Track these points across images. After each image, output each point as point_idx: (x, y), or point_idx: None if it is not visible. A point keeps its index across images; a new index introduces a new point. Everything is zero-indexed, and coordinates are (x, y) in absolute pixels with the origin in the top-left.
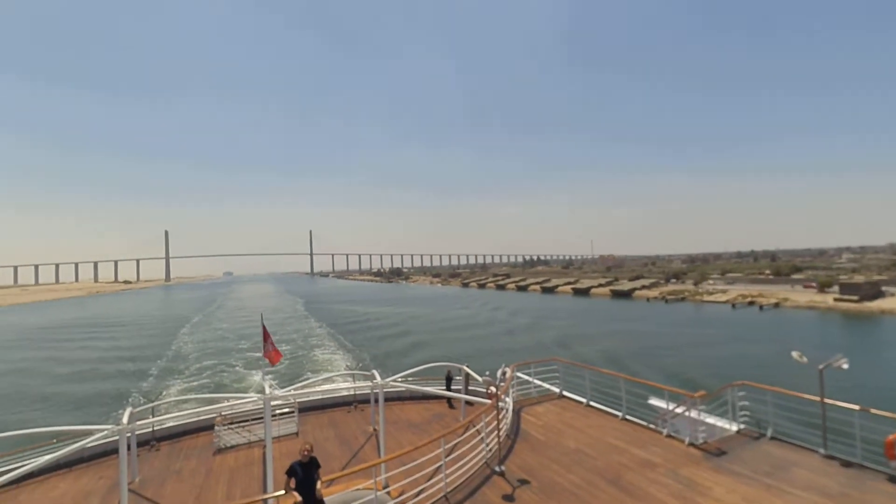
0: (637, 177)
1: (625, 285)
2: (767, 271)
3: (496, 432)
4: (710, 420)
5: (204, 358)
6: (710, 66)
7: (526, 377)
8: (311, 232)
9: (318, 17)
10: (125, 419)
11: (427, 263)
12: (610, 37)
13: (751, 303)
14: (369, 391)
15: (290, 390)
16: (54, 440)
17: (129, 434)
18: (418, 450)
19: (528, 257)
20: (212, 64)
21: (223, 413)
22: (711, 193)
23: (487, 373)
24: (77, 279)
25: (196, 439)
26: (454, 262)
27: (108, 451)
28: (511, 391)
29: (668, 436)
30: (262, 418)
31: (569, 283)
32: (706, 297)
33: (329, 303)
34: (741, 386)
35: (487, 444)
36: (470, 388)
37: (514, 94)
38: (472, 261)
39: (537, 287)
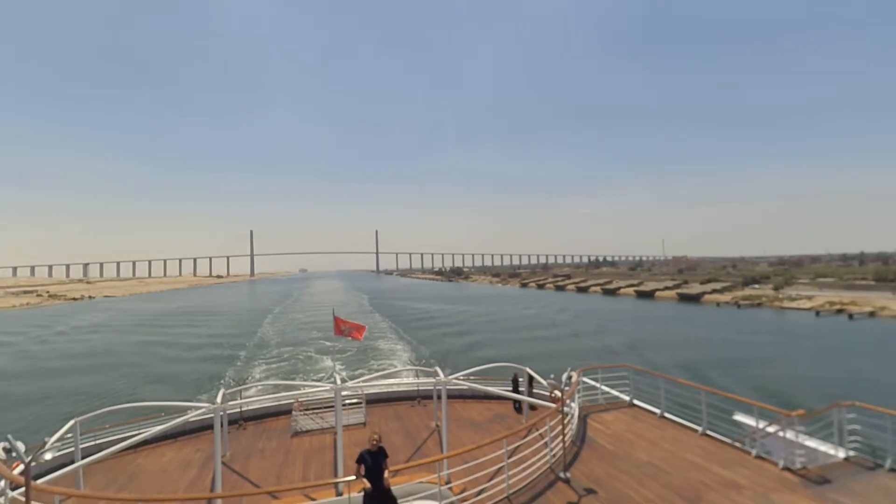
0: (724, 171)
1: (693, 288)
2: (868, 276)
3: (561, 437)
4: (811, 443)
5: (283, 344)
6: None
7: (593, 383)
8: (376, 232)
9: (383, 16)
10: (219, 399)
11: (488, 263)
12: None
13: (839, 311)
14: (432, 387)
15: (358, 382)
16: (162, 413)
17: (221, 413)
18: (480, 449)
19: (593, 258)
20: (289, 75)
21: (300, 399)
22: (813, 186)
23: (552, 376)
24: (180, 273)
25: (277, 422)
26: (515, 261)
27: (204, 427)
28: (577, 396)
29: (758, 457)
30: (333, 407)
31: (631, 286)
32: (787, 304)
33: (392, 299)
34: (851, 407)
35: (551, 449)
36: (533, 391)
37: (582, 90)
38: (534, 261)
39: (598, 288)
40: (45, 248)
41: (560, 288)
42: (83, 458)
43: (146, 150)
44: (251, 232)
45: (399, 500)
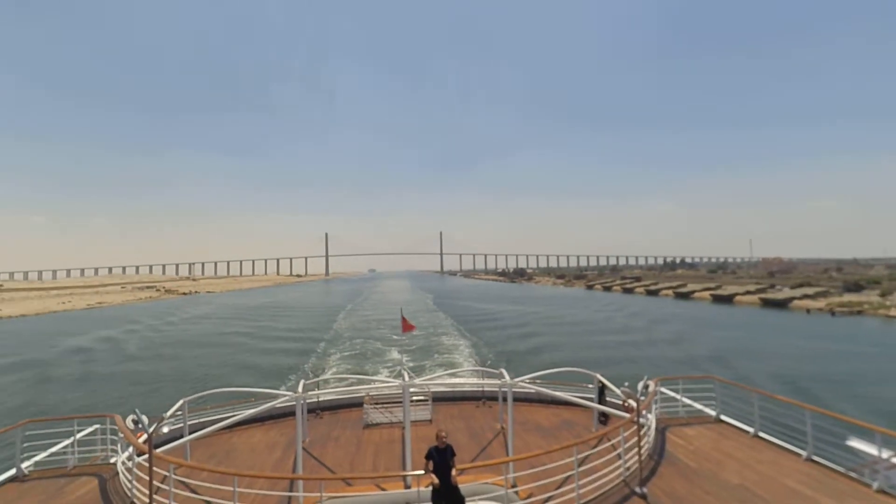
0: (836, 163)
1: (779, 293)
2: None
3: (637, 450)
4: None
5: (355, 338)
6: None
7: (672, 394)
8: (441, 233)
9: (453, 17)
10: (300, 389)
11: (553, 264)
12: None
13: None
14: (497, 389)
15: (425, 380)
16: (252, 399)
17: (302, 402)
18: (548, 455)
19: (669, 259)
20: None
21: (370, 394)
22: None
23: (626, 384)
24: (266, 272)
25: (350, 413)
26: (583, 263)
27: (286, 413)
28: (654, 407)
29: (881, 491)
30: (401, 402)
31: (707, 289)
32: (893, 312)
33: (455, 299)
34: None
35: (625, 462)
36: (605, 399)
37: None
38: (602, 262)
39: (669, 292)
40: (158, 249)
41: (628, 290)
42: (190, 433)
43: (238, 157)
44: (326, 235)
45: (465, 499)
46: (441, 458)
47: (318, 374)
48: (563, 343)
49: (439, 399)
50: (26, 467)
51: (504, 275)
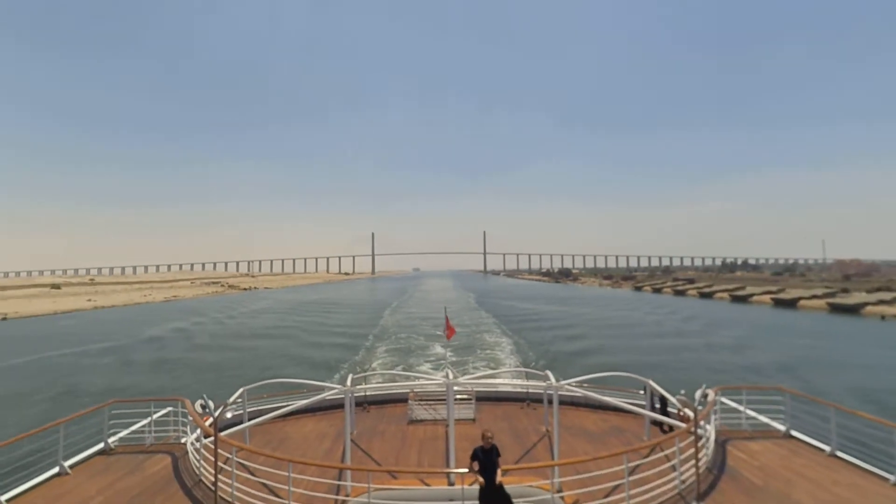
0: None
1: (851, 298)
2: None
3: (694, 462)
4: None
5: (399, 333)
6: None
7: (734, 405)
8: (484, 232)
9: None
10: (348, 383)
11: (600, 264)
12: None
13: None
14: (542, 391)
15: (469, 379)
16: (304, 390)
17: (350, 395)
18: (595, 461)
19: (729, 260)
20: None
21: (415, 390)
22: None
23: (682, 392)
24: (316, 270)
25: (395, 408)
26: (633, 263)
27: (335, 406)
28: (713, 418)
29: None
30: (445, 400)
31: (768, 293)
32: None
33: (497, 298)
34: None
35: (681, 474)
36: (657, 406)
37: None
38: (654, 263)
39: (725, 295)
40: (220, 247)
41: (679, 293)
42: (249, 419)
43: (290, 159)
44: (372, 234)
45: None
46: (487, 458)
47: (365, 369)
48: (610, 346)
49: (482, 398)
50: (112, 441)
51: (548, 275)
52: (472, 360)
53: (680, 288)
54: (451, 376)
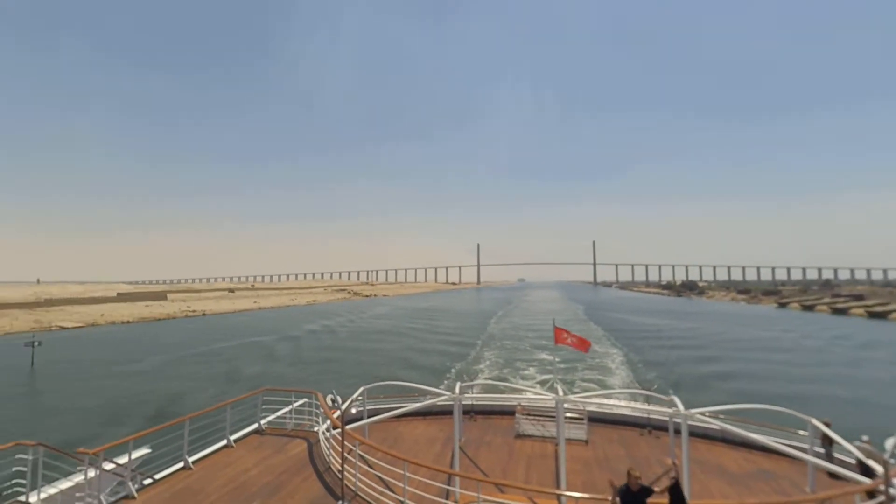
0: None
1: None
2: None
3: None
4: None
5: (505, 341)
6: None
7: None
8: (594, 242)
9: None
10: (457, 391)
11: (736, 276)
12: None
13: None
14: (667, 418)
15: (581, 397)
16: (416, 394)
17: (459, 402)
18: None
19: None
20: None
21: (522, 403)
22: None
23: (865, 438)
24: (426, 279)
25: (501, 420)
26: (780, 276)
27: (444, 411)
28: None
29: None
30: (553, 417)
31: None
32: None
33: (607, 310)
34: None
35: None
36: (825, 452)
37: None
38: (811, 275)
39: None
40: (348, 258)
41: (839, 311)
42: (368, 416)
43: (398, 179)
44: (478, 245)
45: None
46: (635, 502)
47: (472, 377)
48: (750, 372)
49: (596, 420)
50: (263, 423)
51: (669, 287)
52: (580, 377)
53: (840, 306)
54: (561, 393)
